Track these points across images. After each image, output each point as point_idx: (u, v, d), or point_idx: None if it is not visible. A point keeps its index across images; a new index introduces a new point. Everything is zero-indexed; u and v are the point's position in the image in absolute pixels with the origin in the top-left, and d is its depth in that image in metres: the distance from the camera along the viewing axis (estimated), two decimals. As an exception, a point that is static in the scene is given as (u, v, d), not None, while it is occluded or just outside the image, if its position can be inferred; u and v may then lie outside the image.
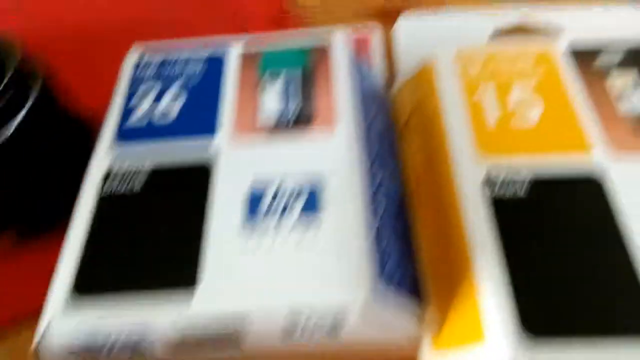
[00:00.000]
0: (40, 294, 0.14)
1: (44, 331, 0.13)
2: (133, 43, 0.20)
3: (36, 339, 0.13)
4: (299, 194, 0.14)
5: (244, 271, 0.13)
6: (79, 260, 0.14)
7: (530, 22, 0.24)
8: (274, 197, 0.14)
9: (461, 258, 0.16)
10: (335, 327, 0.13)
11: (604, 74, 0.19)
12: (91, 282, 0.13)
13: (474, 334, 0.14)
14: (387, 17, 0.26)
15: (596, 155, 0.17)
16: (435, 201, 0.18)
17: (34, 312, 0.14)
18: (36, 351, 0.13)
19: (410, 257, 0.16)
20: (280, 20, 0.26)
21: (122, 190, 0.15)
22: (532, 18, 0.24)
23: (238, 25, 0.25)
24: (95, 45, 0.25)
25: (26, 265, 0.18)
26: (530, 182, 0.16)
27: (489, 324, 0.14)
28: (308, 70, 0.17)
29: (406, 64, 0.23)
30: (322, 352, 0.14)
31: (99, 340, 0.13)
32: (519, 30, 0.24)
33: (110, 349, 0.13)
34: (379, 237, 0.14)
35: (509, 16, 0.24)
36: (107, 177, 0.15)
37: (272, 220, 0.14)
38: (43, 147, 0.17)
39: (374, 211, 0.14)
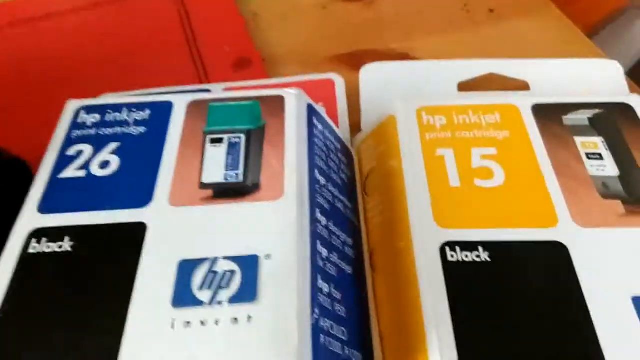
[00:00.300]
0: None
1: None
2: (80, 90, 0.18)
3: None
4: (232, 275, 0.13)
5: (165, 366, 0.12)
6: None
7: (495, 76, 0.23)
8: (207, 275, 0.13)
9: (416, 334, 0.14)
10: None
11: (570, 133, 0.18)
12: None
13: None
14: (354, 63, 0.25)
15: (561, 227, 0.16)
16: (392, 268, 0.16)
17: None
18: None
19: (358, 341, 0.14)
20: (243, 67, 0.25)
21: (48, 252, 0.13)
22: (497, 71, 0.23)
23: (198, 73, 0.24)
24: (40, 93, 0.23)
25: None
26: (490, 247, 0.15)
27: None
28: (258, 128, 0.16)
29: (371, 112, 0.22)
30: None
31: None
32: (485, 84, 0.23)
33: None
34: (317, 332, 0.12)
35: (475, 68, 0.23)
36: (32, 236, 0.14)
37: (203, 303, 0.12)
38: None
39: (314, 300, 0.13)
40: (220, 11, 0.27)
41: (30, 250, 0.14)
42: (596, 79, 0.23)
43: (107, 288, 0.13)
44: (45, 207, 0.15)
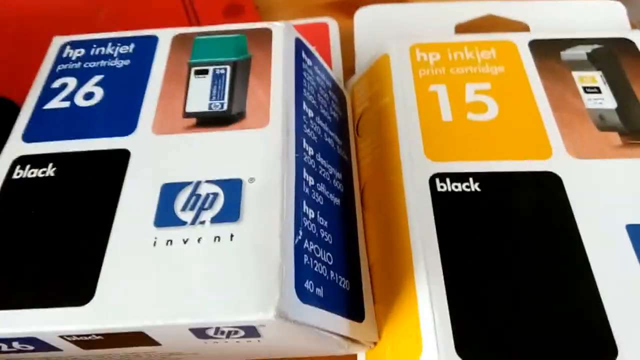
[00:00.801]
0: None
1: None
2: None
3: None
4: (215, 197, 0.13)
5: (144, 280, 0.11)
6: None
7: (494, 17, 0.22)
8: (189, 198, 0.13)
9: (403, 261, 0.14)
10: (251, 334, 0.12)
11: (568, 68, 0.18)
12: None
13: (410, 349, 0.13)
14: (350, 10, 0.24)
15: (555, 158, 0.15)
16: (383, 201, 0.16)
17: None
18: None
19: (344, 268, 0.14)
20: (236, 13, 0.24)
21: (31, 177, 0.13)
22: (496, 12, 0.22)
23: (189, 20, 0.24)
24: (26, 33, 0.23)
25: None
26: (481, 178, 0.15)
27: (426, 343, 0.13)
28: (244, 59, 0.16)
29: (365, 56, 0.22)
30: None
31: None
32: (484, 26, 0.22)
33: (7, 344, 0.12)
34: (300, 252, 0.12)
35: (473, 10, 0.22)
36: (16, 162, 0.14)
37: (185, 224, 0.12)
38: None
39: (298, 223, 0.13)
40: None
41: (14, 176, 0.14)
42: (598, 19, 0.22)
43: (90, 210, 0.13)
44: (30, 136, 0.15)
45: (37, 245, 0.12)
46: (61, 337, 0.12)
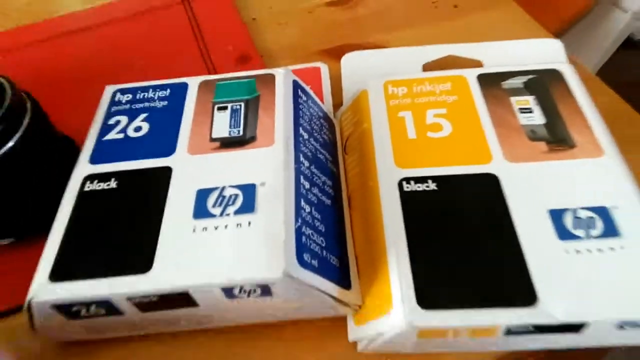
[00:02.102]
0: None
1: (31, 295, 0.16)
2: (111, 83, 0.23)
3: (26, 301, 0.16)
4: (236, 197, 0.17)
5: (188, 254, 0.16)
6: (59, 248, 0.17)
7: (454, 56, 0.27)
8: (217, 198, 0.17)
9: (379, 246, 0.19)
10: (265, 292, 0.16)
11: (507, 94, 0.23)
12: (68, 266, 0.16)
13: (384, 307, 0.17)
14: (337, 55, 0.29)
15: (494, 163, 0.20)
16: (364, 202, 0.21)
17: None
18: (28, 308, 0.16)
19: (335, 250, 0.19)
20: (245, 62, 0.29)
21: (99, 189, 0.18)
22: (455, 53, 0.28)
23: (207, 69, 0.29)
24: (80, 84, 0.28)
25: (25, 262, 0.21)
26: (437, 180, 0.20)
27: (394, 301, 0.17)
28: (254, 97, 0.21)
29: (350, 92, 0.27)
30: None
31: (75, 302, 0.16)
32: (445, 64, 0.27)
33: (86, 307, 0.16)
34: (299, 234, 0.17)
35: (437, 52, 0.28)
36: (86, 179, 0.19)
37: (215, 216, 0.17)
38: (36, 159, 0.20)
39: (297, 214, 0.17)
40: (224, 17, 0.32)
41: (86, 189, 0.18)
42: (539, 54, 0.27)
43: (145, 209, 0.18)
44: (95, 159, 0.19)
45: (109, 233, 0.17)
46: (128, 299, 0.16)
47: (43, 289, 0.16)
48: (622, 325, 0.16)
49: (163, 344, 0.19)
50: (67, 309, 0.16)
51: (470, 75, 0.24)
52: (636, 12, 0.56)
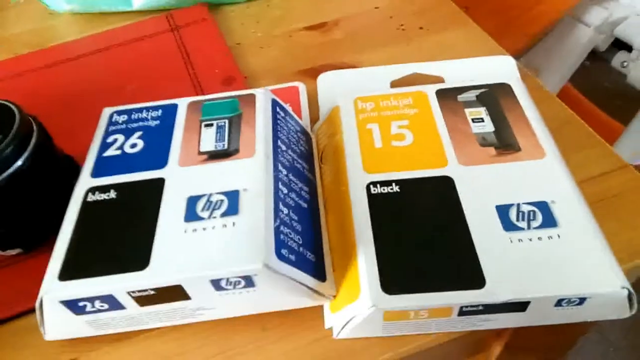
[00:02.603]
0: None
1: (42, 292, 0.18)
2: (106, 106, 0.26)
3: (38, 299, 0.19)
4: (222, 202, 0.20)
5: (180, 253, 0.18)
6: (66, 252, 0.19)
7: (418, 74, 0.30)
8: (206, 203, 0.20)
9: (350, 242, 0.21)
10: (249, 284, 0.18)
11: (462, 106, 0.25)
12: (74, 267, 0.19)
13: (354, 295, 0.20)
14: (314, 75, 0.32)
15: (449, 167, 0.23)
16: (337, 205, 0.23)
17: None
18: (39, 304, 0.19)
19: (311, 247, 0.21)
20: (230, 83, 0.32)
21: (100, 199, 0.21)
22: (420, 71, 0.31)
23: (195, 90, 0.32)
24: (77, 107, 0.31)
25: (32, 270, 0.23)
26: (400, 183, 0.22)
27: (362, 288, 0.19)
28: (236, 115, 0.23)
29: (326, 108, 0.30)
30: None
31: (81, 298, 0.18)
32: (411, 81, 0.30)
33: (91, 303, 0.18)
34: (278, 232, 0.19)
35: (403, 70, 0.31)
36: (88, 191, 0.21)
37: (204, 219, 0.19)
38: (41, 176, 0.23)
39: (276, 215, 0.20)
40: (210, 43, 0.35)
41: (88, 199, 0.21)
42: (495, 70, 0.30)
43: (141, 215, 0.20)
44: (96, 173, 0.22)
45: (110, 237, 0.19)
46: (128, 293, 0.18)
47: (53, 287, 0.18)
48: (559, 302, 0.19)
49: (158, 338, 0.21)
50: (74, 305, 0.19)
51: (430, 90, 0.27)
52: (598, 27, 0.60)
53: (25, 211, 0.23)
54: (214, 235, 0.19)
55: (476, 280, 0.19)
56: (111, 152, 0.23)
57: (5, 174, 0.21)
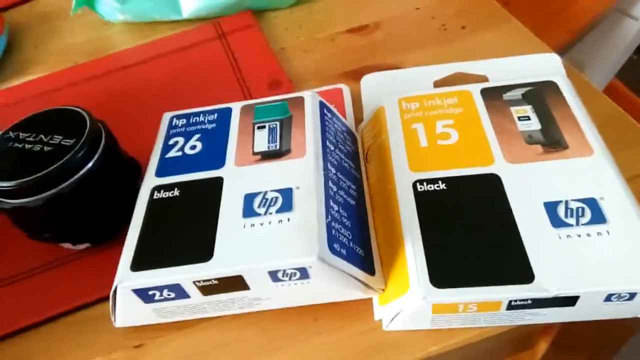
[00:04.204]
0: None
1: (117, 281, 0.20)
2: (163, 111, 0.28)
3: (112, 288, 0.20)
4: (277, 199, 0.21)
5: (241, 246, 0.20)
6: (137, 245, 0.21)
7: (462, 73, 0.31)
8: (262, 200, 0.21)
9: (398, 238, 0.22)
10: (303, 275, 0.20)
11: (507, 105, 0.26)
12: (145, 258, 0.20)
13: (403, 288, 0.20)
14: (357, 77, 0.33)
15: (496, 164, 0.23)
16: (384, 203, 0.24)
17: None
18: (113, 293, 0.20)
19: (360, 242, 0.22)
20: (276, 87, 0.34)
21: (165, 197, 0.22)
22: (463, 70, 0.31)
23: (244, 94, 0.33)
24: (135, 113, 0.33)
25: (100, 263, 0.25)
26: (446, 181, 0.23)
27: (411, 281, 0.20)
28: (287, 117, 0.25)
29: (370, 108, 0.31)
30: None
31: (151, 287, 0.20)
32: (454, 80, 0.31)
33: (160, 291, 0.20)
34: (330, 227, 0.20)
35: (446, 70, 0.31)
36: (154, 189, 0.23)
37: (260, 215, 0.21)
38: (109, 176, 0.25)
39: (327, 211, 0.21)
40: (256, 48, 0.37)
41: (155, 197, 0.23)
42: (540, 68, 0.30)
43: (204, 211, 0.21)
44: (160, 173, 0.24)
45: (176, 231, 0.21)
46: (194, 282, 0.20)
47: (126, 277, 0.20)
48: (609, 297, 0.19)
49: (218, 326, 0.23)
50: (144, 294, 0.20)
51: (475, 90, 0.27)
52: (646, 20, 0.58)
53: (94, 208, 0.25)
54: (270, 230, 0.20)
55: (525, 275, 0.19)
56: (173, 153, 0.24)
57: (78, 175, 0.23)
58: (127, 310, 0.21)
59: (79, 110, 0.25)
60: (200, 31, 0.40)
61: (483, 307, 0.20)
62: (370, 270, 0.22)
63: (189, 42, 0.39)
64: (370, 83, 0.32)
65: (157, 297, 0.21)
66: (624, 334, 0.32)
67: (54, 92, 0.37)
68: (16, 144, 0.24)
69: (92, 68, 0.39)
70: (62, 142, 0.23)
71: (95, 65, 0.39)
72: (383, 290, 0.22)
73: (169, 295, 0.20)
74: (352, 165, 0.25)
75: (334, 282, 0.20)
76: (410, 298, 0.20)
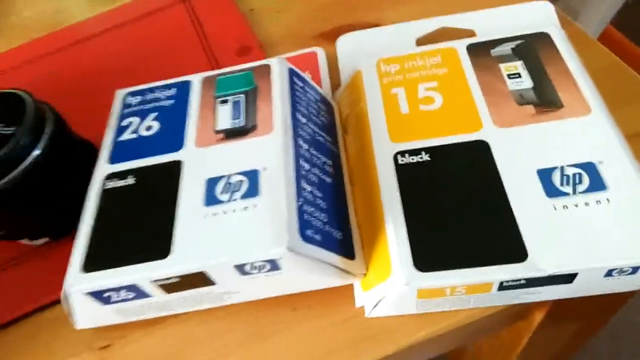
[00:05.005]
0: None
1: (67, 285, 0.18)
2: (122, 87, 0.25)
3: (62, 291, 0.18)
4: (241, 183, 0.19)
5: (202, 239, 0.18)
6: (88, 242, 0.19)
7: (446, 28, 0.28)
8: (225, 185, 0.19)
9: (378, 217, 0.20)
10: (274, 267, 0.18)
11: (496, 62, 0.23)
12: (97, 258, 0.18)
13: (385, 273, 0.19)
14: (333, 38, 0.30)
15: (484, 130, 0.21)
16: (364, 177, 0.22)
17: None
18: (63, 296, 0.18)
19: (337, 224, 0.20)
20: (246, 53, 0.31)
21: (118, 186, 0.20)
22: (447, 24, 0.28)
23: (210, 63, 0.30)
24: (92, 89, 0.30)
25: (61, 258, 0.23)
26: (430, 151, 0.21)
27: (393, 265, 0.18)
28: (252, 89, 0.22)
29: (347, 72, 0.28)
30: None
31: (106, 289, 0.18)
32: (439, 36, 0.28)
33: (117, 292, 0.18)
34: (301, 212, 0.18)
35: (429, 26, 0.28)
36: (106, 178, 0.21)
37: (224, 202, 0.19)
38: (61, 164, 0.22)
39: (298, 194, 0.19)
40: (223, 11, 0.33)
41: (107, 187, 0.20)
42: (531, 16, 0.27)
43: (161, 201, 0.19)
44: (113, 159, 0.21)
45: (130, 225, 0.19)
46: (152, 281, 0.18)
47: (77, 280, 0.18)
48: (610, 273, 0.18)
49: (190, 321, 0.21)
50: (100, 296, 0.18)
51: (460, 46, 0.24)
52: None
53: (48, 200, 0.23)
54: (235, 219, 0.18)
55: (517, 252, 0.18)
56: (127, 136, 0.22)
57: (23, 165, 0.21)
58: (86, 313, 0.20)
59: (17, 92, 0.22)
60: (162, -5, 0.36)
61: (472, 289, 0.18)
62: (350, 254, 0.20)
63: (149, 8, 0.36)
64: (347, 44, 0.29)
65: (114, 299, 0.19)
66: (620, 296, 0.31)
67: (7, 72, 0.34)
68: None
69: (48, 43, 0.35)
70: (1, 131, 0.21)
71: (51, 40, 0.36)
72: (364, 274, 0.20)
73: (127, 295, 0.19)
74: (328, 138, 0.23)
75: (309, 272, 0.18)
76: (393, 284, 0.18)
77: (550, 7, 0.28)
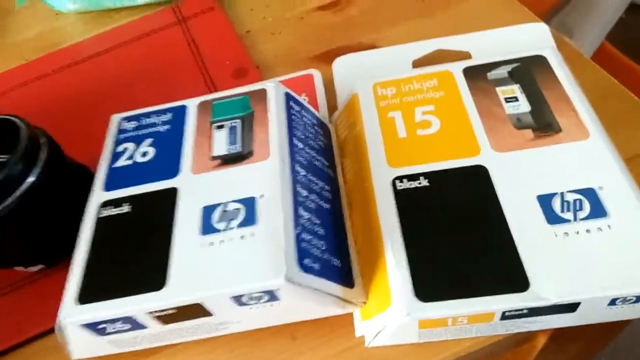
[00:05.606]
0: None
1: (61, 317, 0.18)
2: (118, 109, 0.25)
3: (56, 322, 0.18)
4: (238, 211, 0.19)
5: (198, 269, 0.17)
6: (83, 273, 0.18)
7: (442, 50, 0.28)
8: (222, 213, 0.19)
9: (377, 244, 0.20)
10: (272, 298, 0.17)
11: (493, 85, 0.23)
12: (92, 288, 0.18)
13: (385, 303, 0.18)
14: (329, 60, 0.30)
15: (482, 154, 0.21)
16: (362, 203, 0.22)
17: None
18: (58, 327, 0.18)
19: (336, 252, 0.20)
20: (242, 75, 0.31)
21: (113, 214, 0.20)
22: (443, 47, 0.28)
23: (207, 85, 0.30)
24: (87, 112, 0.30)
25: (56, 286, 0.23)
26: (428, 176, 0.20)
27: (393, 295, 0.18)
28: (248, 114, 0.22)
29: (344, 95, 0.28)
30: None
31: (101, 321, 0.17)
32: (435, 58, 0.28)
33: (112, 324, 0.18)
34: (299, 240, 0.18)
35: (425, 48, 0.28)
36: (101, 206, 0.20)
37: (220, 231, 0.18)
38: (56, 190, 0.22)
39: (296, 221, 0.18)
40: (219, 32, 0.34)
41: (102, 215, 0.20)
42: (527, 39, 0.28)
43: (157, 229, 0.19)
44: (108, 186, 0.21)
45: (126, 255, 0.19)
46: (148, 313, 0.17)
47: (71, 312, 0.18)
48: (613, 302, 0.17)
49: (187, 351, 0.21)
50: (95, 327, 0.18)
51: (456, 69, 0.24)
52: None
53: (43, 227, 0.23)
54: (231, 249, 0.18)
55: (519, 281, 0.17)
56: (122, 162, 0.22)
57: (17, 193, 0.21)
58: (81, 344, 0.19)
59: (12, 119, 0.22)
60: (158, 17, 0.36)
61: (474, 319, 0.18)
62: (349, 282, 0.19)
63: (146, 29, 0.36)
64: (343, 66, 0.29)
65: (109, 330, 0.18)
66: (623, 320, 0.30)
67: (2, 94, 0.34)
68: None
69: (45, 64, 0.35)
70: (-6, 159, 0.21)
71: (48, 61, 0.35)
72: (364, 302, 0.20)
73: (122, 327, 0.18)
74: (325, 162, 0.23)
75: (307, 301, 0.18)
76: (393, 314, 0.18)
77: (546, 29, 0.28)
